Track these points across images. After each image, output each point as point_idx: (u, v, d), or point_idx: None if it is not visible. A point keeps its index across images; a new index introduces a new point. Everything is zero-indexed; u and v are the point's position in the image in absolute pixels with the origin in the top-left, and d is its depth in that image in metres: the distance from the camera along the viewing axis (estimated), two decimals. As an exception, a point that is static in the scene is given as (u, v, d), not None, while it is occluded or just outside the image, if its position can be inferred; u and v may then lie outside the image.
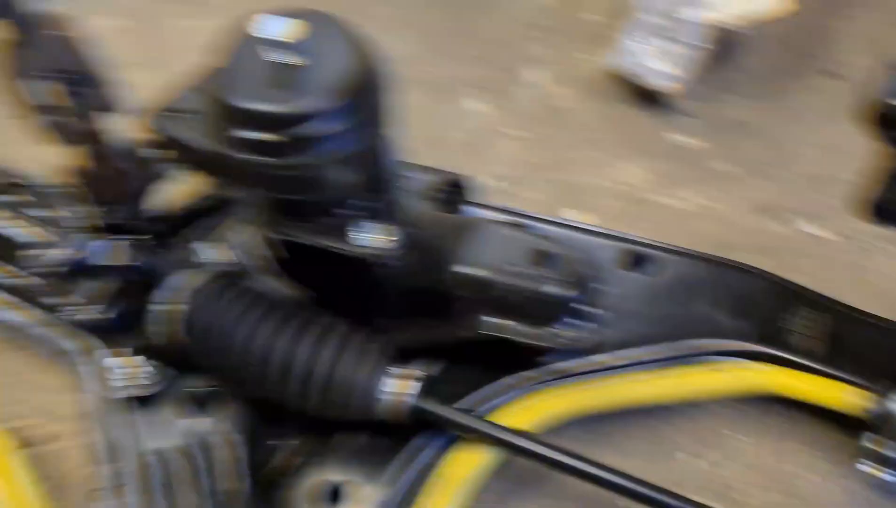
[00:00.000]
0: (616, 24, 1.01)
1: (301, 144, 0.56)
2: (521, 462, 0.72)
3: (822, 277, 0.83)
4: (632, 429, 0.74)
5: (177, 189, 0.80)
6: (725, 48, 0.95)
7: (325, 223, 0.62)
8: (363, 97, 0.57)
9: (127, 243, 0.61)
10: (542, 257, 0.65)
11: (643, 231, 0.80)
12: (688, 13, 0.89)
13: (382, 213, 0.62)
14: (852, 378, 0.68)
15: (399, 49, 1.07)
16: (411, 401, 0.63)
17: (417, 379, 0.64)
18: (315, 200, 0.61)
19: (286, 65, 0.55)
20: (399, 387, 0.63)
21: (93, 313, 0.65)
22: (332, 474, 0.67)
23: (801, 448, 0.73)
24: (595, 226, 0.85)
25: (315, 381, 0.62)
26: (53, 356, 0.77)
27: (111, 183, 0.58)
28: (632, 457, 0.73)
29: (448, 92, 1.03)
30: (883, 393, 0.65)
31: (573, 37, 1.07)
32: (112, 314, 0.66)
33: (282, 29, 0.57)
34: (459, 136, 1.00)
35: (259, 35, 0.56)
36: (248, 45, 0.56)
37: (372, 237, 0.61)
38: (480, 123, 1.00)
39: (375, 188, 0.64)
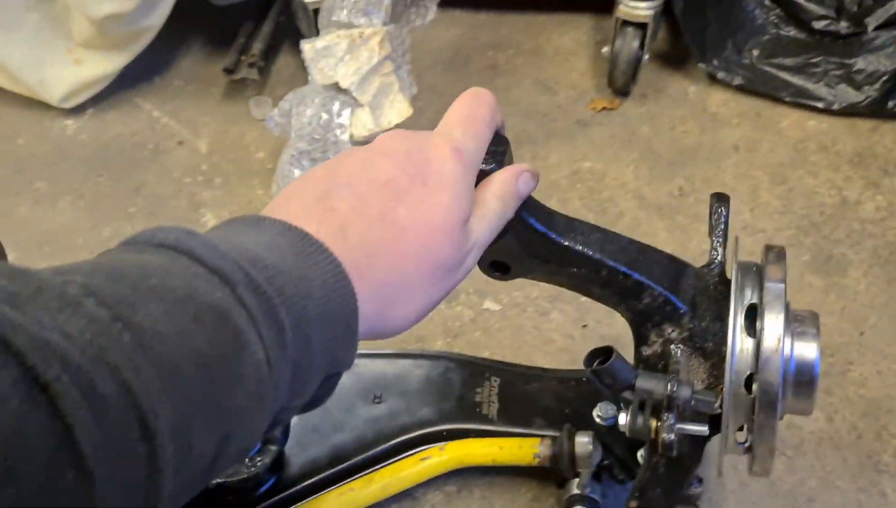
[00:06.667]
0: (277, 156, 1.05)
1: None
2: None
3: (508, 344, 0.90)
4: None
5: None
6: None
7: None
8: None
9: None
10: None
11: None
12: (333, 135, 0.95)
13: None
14: (538, 432, 0.73)
15: (58, 220, 1.05)
16: None
17: None
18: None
19: None
20: None
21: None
22: None
23: (522, 510, 0.77)
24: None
25: None
26: None
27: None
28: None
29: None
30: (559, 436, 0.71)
31: (241, 176, 1.09)
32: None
33: None
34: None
35: None
36: None
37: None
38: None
39: None
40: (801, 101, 1.13)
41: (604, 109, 1.16)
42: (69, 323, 0.30)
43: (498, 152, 0.53)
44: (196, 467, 0.34)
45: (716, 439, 0.58)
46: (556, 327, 0.91)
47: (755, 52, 1.16)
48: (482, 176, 0.51)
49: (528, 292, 0.94)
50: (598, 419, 0.74)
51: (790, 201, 1.03)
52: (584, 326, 0.90)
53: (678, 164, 1.09)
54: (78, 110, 1.18)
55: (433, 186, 0.45)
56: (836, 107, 1.12)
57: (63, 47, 1.13)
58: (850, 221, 1.01)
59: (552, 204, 1.12)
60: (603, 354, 0.57)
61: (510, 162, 0.54)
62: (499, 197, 0.50)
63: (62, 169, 1.11)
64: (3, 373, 0.28)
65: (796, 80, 1.14)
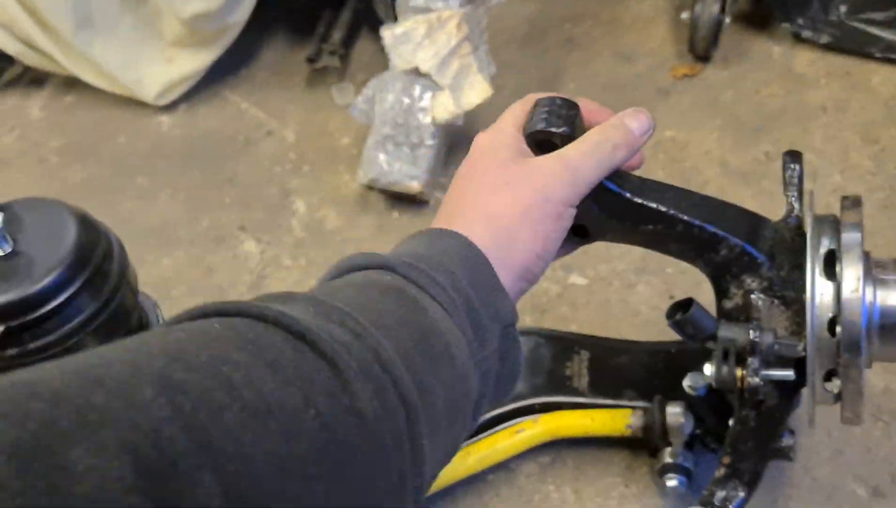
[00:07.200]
0: (362, 142, 1.08)
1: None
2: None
3: (595, 318, 0.91)
4: (460, 505, 0.77)
5: None
6: (450, 139, 1.04)
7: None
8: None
9: None
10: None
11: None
12: (416, 119, 0.97)
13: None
14: (629, 403, 0.74)
15: (160, 213, 1.11)
16: None
17: None
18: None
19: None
20: None
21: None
22: None
23: (615, 481, 0.78)
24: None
25: None
26: None
27: None
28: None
29: (220, 240, 1.06)
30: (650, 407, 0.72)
31: (328, 162, 1.12)
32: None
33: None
34: (243, 278, 1.02)
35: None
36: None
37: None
38: (259, 260, 1.03)
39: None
40: (892, 56, 1.10)
41: (685, 75, 1.15)
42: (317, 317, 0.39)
43: (569, 116, 0.55)
44: (433, 412, 0.41)
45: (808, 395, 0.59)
46: (643, 299, 0.92)
47: (843, 8, 1.13)
48: (553, 138, 0.55)
49: (614, 265, 0.95)
50: (688, 390, 0.74)
51: (882, 162, 1.00)
52: (671, 297, 0.91)
53: (763, 128, 1.07)
54: (171, 107, 1.23)
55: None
56: (930, 60, 1.08)
57: (156, 47, 1.19)
58: (948, 179, 0.98)
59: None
60: (684, 306, 0.59)
61: (581, 124, 0.57)
62: (601, 132, 0.55)
63: (160, 164, 1.17)
64: (298, 346, 0.36)
65: (887, 34, 1.10)
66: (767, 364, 0.58)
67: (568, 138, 0.56)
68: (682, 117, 1.10)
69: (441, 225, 0.52)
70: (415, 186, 0.99)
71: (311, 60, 1.19)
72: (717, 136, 1.07)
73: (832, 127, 1.05)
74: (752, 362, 0.58)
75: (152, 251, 1.06)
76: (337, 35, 1.18)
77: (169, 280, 1.02)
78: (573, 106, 0.57)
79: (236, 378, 0.33)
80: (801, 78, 1.12)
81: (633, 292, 0.93)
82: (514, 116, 0.58)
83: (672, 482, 0.73)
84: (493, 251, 0.50)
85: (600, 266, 0.95)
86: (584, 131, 0.59)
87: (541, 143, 0.57)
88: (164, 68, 1.19)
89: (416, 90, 0.98)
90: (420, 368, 0.41)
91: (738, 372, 0.59)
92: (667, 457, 0.74)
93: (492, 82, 1.03)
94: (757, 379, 0.58)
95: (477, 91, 0.99)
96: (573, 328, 0.90)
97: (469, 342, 0.45)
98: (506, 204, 0.52)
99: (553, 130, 0.56)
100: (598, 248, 0.90)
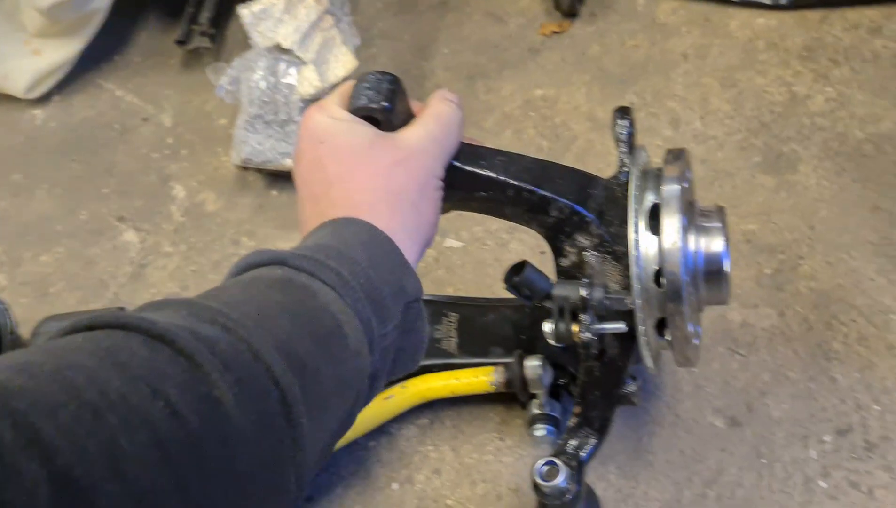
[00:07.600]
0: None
1: None
2: None
3: (470, 279, 0.93)
4: (343, 474, 0.79)
5: None
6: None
7: None
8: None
9: None
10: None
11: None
12: (282, 96, 0.97)
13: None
14: (496, 360, 0.77)
15: (37, 209, 1.09)
16: None
17: None
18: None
19: None
20: None
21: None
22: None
23: (491, 436, 0.81)
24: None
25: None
26: None
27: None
28: (352, 502, 0.78)
29: (100, 232, 1.05)
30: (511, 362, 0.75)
31: (206, 144, 1.12)
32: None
33: None
34: (124, 268, 1.01)
35: None
36: None
37: None
38: (140, 249, 1.03)
39: None
40: (748, 0, 1.13)
41: (553, 32, 1.17)
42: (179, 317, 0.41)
43: (389, 91, 0.57)
44: (318, 391, 0.43)
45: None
46: (516, 256, 0.93)
47: (700, -44, 1.16)
48: (374, 113, 0.57)
49: (488, 225, 0.97)
50: (551, 342, 0.78)
51: (740, 104, 1.04)
52: (542, 252, 0.93)
53: (629, 80, 1.10)
54: (44, 99, 1.20)
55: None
56: (783, 1, 1.11)
57: (20, 39, 1.16)
58: (800, 116, 1.02)
59: (506, 136, 1.13)
60: (519, 269, 0.62)
61: (403, 98, 0.59)
62: (449, 109, 0.60)
63: (36, 159, 1.15)
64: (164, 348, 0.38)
65: (743, -22, 1.14)
66: (601, 318, 0.61)
67: (388, 113, 0.58)
68: (551, 75, 1.12)
69: (335, 210, 0.54)
70: (288, 163, 1.00)
71: (181, 42, 1.17)
72: (585, 90, 1.09)
73: (693, 74, 1.08)
74: (585, 317, 0.61)
75: (30, 248, 1.05)
76: (205, 16, 1.17)
77: (48, 276, 1.01)
78: (394, 80, 0.59)
79: (79, 381, 0.35)
80: (664, 27, 1.14)
81: (506, 250, 0.95)
82: (340, 95, 0.60)
83: (540, 431, 0.76)
84: (403, 229, 0.53)
85: (475, 228, 0.97)
86: (406, 105, 0.61)
87: (363, 118, 0.58)
88: (31, 60, 1.16)
89: (281, 67, 0.98)
90: (302, 350, 0.43)
91: (574, 328, 0.62)
92: (534, 408, 0.77)
93: (358, 53, 1.04)
94: (589, 334, 0.60)
95: (342, 63, 1.00)
96: (450, 290, 0.92)
97: (364, 321, 0.48)
98: (404, 182, 0.55)
99: (373, 105, 0.57)
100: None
